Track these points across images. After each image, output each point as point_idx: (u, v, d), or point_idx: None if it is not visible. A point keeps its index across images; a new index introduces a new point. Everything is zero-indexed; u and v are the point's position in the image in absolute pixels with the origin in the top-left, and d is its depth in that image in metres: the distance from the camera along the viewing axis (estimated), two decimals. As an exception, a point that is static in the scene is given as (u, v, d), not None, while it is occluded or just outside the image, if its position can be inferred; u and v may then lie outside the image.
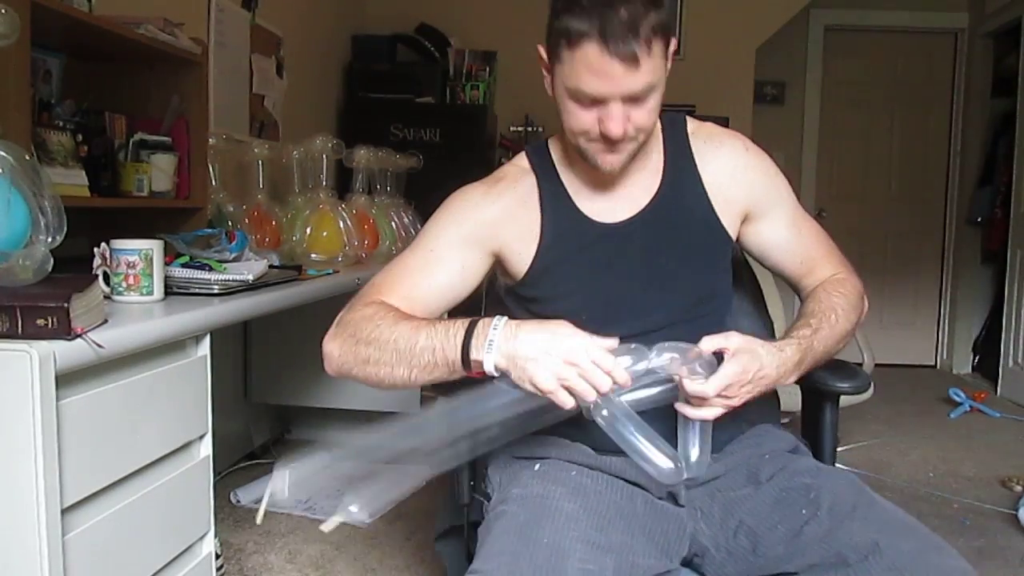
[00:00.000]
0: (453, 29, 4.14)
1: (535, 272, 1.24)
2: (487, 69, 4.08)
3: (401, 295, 1.19)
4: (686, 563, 1.16)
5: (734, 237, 1.27)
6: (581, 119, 1.11)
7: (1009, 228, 4.39)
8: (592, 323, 1.04)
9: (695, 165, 1.24)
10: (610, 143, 1.12)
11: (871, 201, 5.19)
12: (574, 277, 1.23)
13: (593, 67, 1.05)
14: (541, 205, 1.24)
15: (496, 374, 1.02)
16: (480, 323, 1.04)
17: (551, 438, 1.22)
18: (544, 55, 1.13)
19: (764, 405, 1.23)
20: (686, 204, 1.23)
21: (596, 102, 1.08)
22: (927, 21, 5.00)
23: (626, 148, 1.14)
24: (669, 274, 1.23)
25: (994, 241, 4.70)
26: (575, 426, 1.14)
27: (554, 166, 1.26)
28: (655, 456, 1.04)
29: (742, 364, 1.06)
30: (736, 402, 1.08)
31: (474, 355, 1.02)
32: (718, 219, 1.24)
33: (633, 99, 1.08)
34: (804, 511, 1.09)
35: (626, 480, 1.17)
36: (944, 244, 5.18)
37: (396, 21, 4.13)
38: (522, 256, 1.23)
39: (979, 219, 4.88)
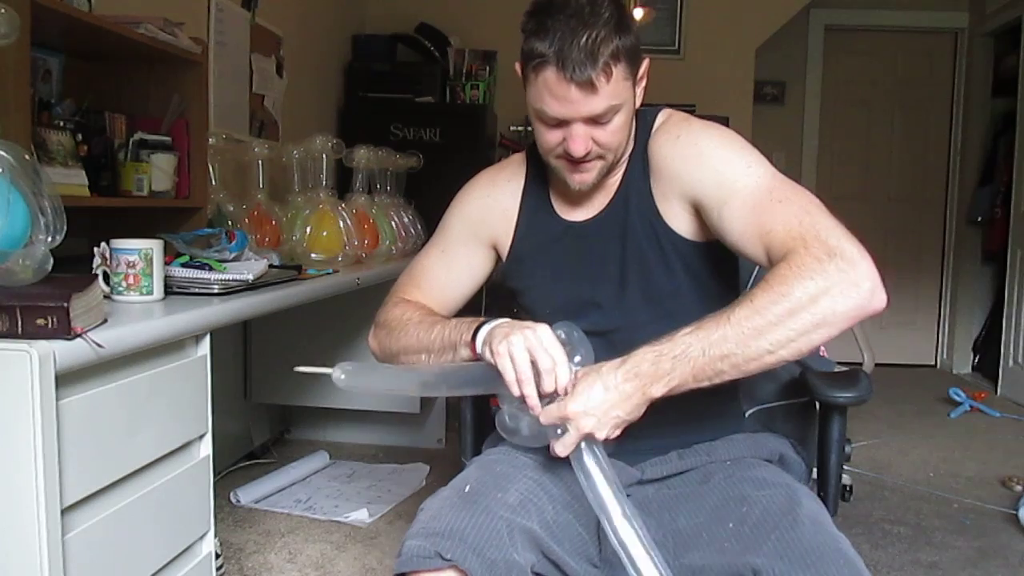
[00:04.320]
0: (453, 29, 4.14)
1: (511, 262, 1.33)
2: (487, 69, 4.08)
3: (422, 294, 1.34)
4: None
5: (687, 233, 1.20)
6: (547, 138, 1.16)
7: (1009, 228, 4.39)
8: (555, 317, 1.12)
9: (648, 162, 1.22)
10: (576, 162, 1.16)
11: (871, 201, 5.19)
12: (540, 270, 1.30)
13: (553, 91, 1.09)
14: (523, 198, 1.32)
15: (479, 350, 1.12)
16: (484, 322, 1.15)
17: None
18: (519, 72, 1.17)
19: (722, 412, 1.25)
20: (633, 205, 1.23)
21: (560, 123, 1.13)
22: (927, 21, 5.00)
23: (594, 167, 1.18)
24: (620, 273, 1.24)
25: (994, 241, 4.70)
26: None
27: (543, 164, 1.28)
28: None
29: (583, 388, 1.01)
30: (600, 435, 1.02)
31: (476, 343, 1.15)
32: (663, 219, 1.21)
33: (595, 121, 1.12)
34: (732, 525, 1.07)
35: None
36: (944, 244, 5.17)
37: (396, 21, 4.13)
38: (505, 247, 1.33)
39: (979, 219, 4.87)
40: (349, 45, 4.06)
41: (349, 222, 2.45)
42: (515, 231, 1.31)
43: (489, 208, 1.32)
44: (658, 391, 1.01)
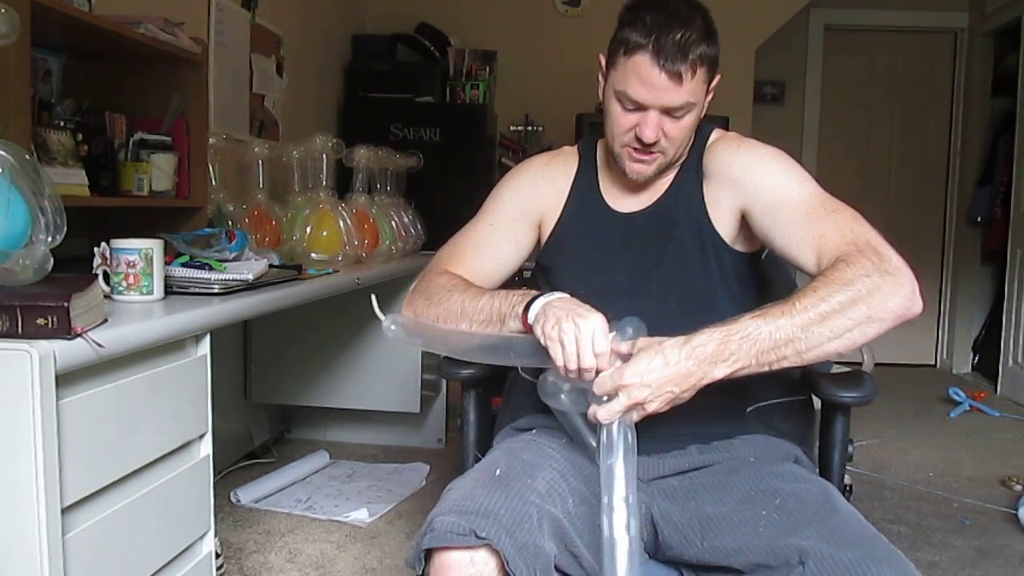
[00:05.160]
0: (453, 29, 4.14)
1: (552, 240, 1.39)
2: (487, 69, 4.07)
3: (466, 267, 1.36)
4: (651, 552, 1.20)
5: (730, 239, 1.29)
6: (621, 122, 1.24)
7: (1009, 227, 4.39)
8: (588, 299, 1.14)
9: (701, 169, 1.31)
10: (641, 149, 1.24)
11: (871, 201, 5.17)
12: (579, 252, 1.36)
13: (642, 76, 1.19)
14: (573, 183, 1.40)
15: (531, 322, 1.14)
16: (536, 296, 1.17)
17: (550, 416, 1.30)
18: (603, 62, 1.28)
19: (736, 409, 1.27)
20: (682, 204, 1.31)
21: (638, 108, 1.22)
22: (927, 21, 5.00)
23: (655, 160, 1.27)
24: (657, 268, 1.30)
25: (994, 241, 4.70)
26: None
27: (595, 154, 1.42)
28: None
29: (643, 359, 1.03)
30: (651, 407, 1.03)
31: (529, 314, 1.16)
32: (710, 222, 1.29)
33: (670, 112, 1.21)
34: (764, 512, 1.09)
35: None
36: (944, 244, 5.17)
37: (396, 21, 4.13)
38: (548, 224, 1.39)
39: (979, 219, 4.87)
40: (349, 45, 4.06)
41: (349, 222, 2.45)
42: (562, 210, 1.38)
43: (541, 185, 1.40)
44: (721, 372, 1.04)
